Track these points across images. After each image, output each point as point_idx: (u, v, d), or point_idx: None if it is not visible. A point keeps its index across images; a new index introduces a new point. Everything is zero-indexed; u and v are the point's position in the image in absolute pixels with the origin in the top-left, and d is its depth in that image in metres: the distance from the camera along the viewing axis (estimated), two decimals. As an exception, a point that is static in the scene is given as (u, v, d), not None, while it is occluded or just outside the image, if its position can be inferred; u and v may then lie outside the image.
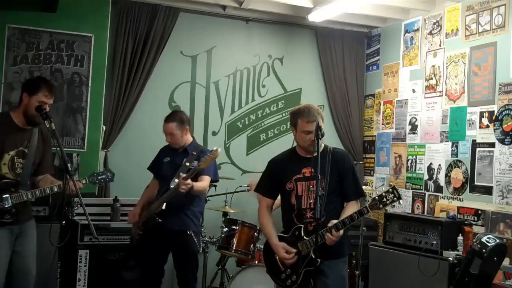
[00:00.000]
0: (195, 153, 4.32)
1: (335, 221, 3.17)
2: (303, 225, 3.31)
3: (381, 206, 3.13)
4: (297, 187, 3.37)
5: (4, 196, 3.48)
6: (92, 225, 3.53)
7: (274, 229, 3.46)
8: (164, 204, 4.16)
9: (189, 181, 4.00)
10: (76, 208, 4.84)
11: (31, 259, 3.67)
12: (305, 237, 3.27)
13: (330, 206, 3.25)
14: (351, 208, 3.33)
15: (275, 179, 3.49)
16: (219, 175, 4.59)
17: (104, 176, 3.88)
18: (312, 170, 3.30)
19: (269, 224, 3.49)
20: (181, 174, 4.17)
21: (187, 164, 4.26)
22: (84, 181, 3.72)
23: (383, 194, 3.12)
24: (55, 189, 3.58)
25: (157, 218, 4.20)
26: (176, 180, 4.17)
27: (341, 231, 3.16)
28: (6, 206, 3.48)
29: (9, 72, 5.11)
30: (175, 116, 4.37)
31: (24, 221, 3.65)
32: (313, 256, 3.21)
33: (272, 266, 3.45)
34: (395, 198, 3.10)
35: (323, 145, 3.39)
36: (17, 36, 5.14)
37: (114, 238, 4.87)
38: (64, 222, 3.62)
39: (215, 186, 5.10)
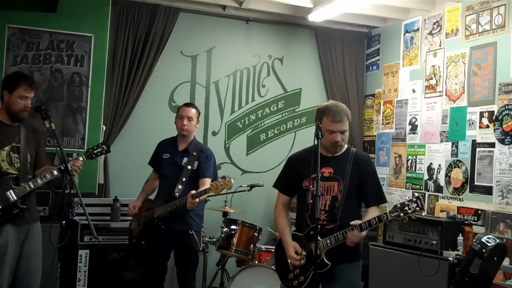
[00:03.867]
0: (195, 153, 4.35)
1: (359, 222, 3.07)
2: (319, 226, 3.16)
3: (401, 214, 2.99)
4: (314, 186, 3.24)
5: (6, 192, 3.50)
6: (92, 225, 3.54)
7: (288, 227, 3.36)
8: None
9: (197, 199, 4.02)
10: (76, 208, 4.85)
11: (37, 262, 3.68)
12: (319, 238, 3.14)
13: (346, 209, 3.16)
14: (373, 213, 3.21)
15: (293, 176, 3.40)
16: (218, 176, 4.59)
17: (100, 150, 3.86)
18: (332, 171, 3.22)
19: (283, 221, 3.41)
20: (183, 179, 4.22)
21: (189, 167, 4.30)
22: (81, 158, 3.73)
23: (406, 202, 3.00)
24: (55, 172, 3.57)
25: (160, 223, 4.22)
26: (180, 187, 4.21)
27: (364, 233, 3.06)
28: (11, 200, 3.49)
29: (9, 72, 5.07)
30: (194, 105, 4.52)
31: (31, 222, 3.67)
32: (325, 259, 3.12)
33: (281, 264, 3.37)
34: (417, 208, 2.97)
35: (346, 146, 3.33)
36: (17, 36, 5.14)
37: (114, 238, 4.88)
38: (64, 222, 3.64)
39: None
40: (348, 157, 3.26)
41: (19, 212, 3.52)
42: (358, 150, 3.37)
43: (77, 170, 3.60)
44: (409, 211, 2.98)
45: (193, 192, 4.04)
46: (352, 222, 3.08)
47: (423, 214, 3.03)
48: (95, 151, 3.85)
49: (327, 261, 3.11)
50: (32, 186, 3.57)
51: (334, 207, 3.20)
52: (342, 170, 3.17)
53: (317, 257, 3.09)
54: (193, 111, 4.41)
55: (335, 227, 3.15)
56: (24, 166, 3.64)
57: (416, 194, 3.07)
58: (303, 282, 3.21)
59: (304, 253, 3.20)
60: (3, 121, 3.65)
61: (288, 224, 3.40)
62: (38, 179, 3.58)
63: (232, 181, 3.98)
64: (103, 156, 5.40)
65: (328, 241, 3.14)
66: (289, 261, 3.29)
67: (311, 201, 3.22)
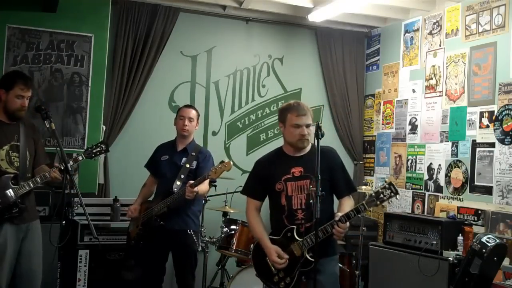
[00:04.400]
0: (194, 154, 4.36)
1: (340, 214, 3.14)
2: (295, 226, 3.25)
3: (378, 202, 3.09)
4: (287, 187, 3.30)
5: (6, 192, 3.50)
6: (92, 225, 3.54)
7: (265, 231, 3.40)
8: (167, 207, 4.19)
9: (195, 188, 4.02)
10: (76, 208, 4.85)
11: (37, 261, 3.68)
12: (298, 238, 3.22)
13: (322, 206, 3.14)
14: (346, 203, 3.31)
15: (262, 181, 3.42)
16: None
17: (99, 149, 3.88)
18: (302, 170, 3.28)
19: (259, 225, 3.43)
20: (182, 176, 4.22)
21: (187, 165, 4.31)
22: (80, 158, 3.75)
23: (380, 190, 3.08)
24: (57, 175, 3.58)
25: (158, 220, 4.22)
26: (178, 183, 4.21)
27: (348, 223, 3.13)
28: (11, 200, 3.50)
29: (9, 72, 5.11)
30: (195, 107, 4.56)
31: (30, 220, 3.67)
32: (308, 257, 3.16)
33: (262, 269, 3.36)
34: (392, 194, 3.06)
35: (310, 144, 3.37)
36: (17, 36, 5.13)
37: (114, 238, 4.87)
38: (64, 222, 3.64)
39: (215, 186, 5.11)
40: (315, 154, 3.26)
41: (18, 211, 3.53)
42: (322, 145, 3.36)
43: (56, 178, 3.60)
44: (385, 198, 3.07)
45: (192, 182, 4.04)
46: (336, 218, 3.13)
47: (398, 198, 3.11)
48: (94, 151, 3.86)
49: (311, 259, 3.16)
50: (31, 185, 3.57)
51: (309, 205, 3.22)
52: (312, 168, 3.17)
53: (316, 258, 3.12)
54: (193, 112, 4.45)
55: (312, 225, 3.17)
56: (23, 165, 3.64)
57: (388, 181, 3.15)
58: (290, 283, 3.24)
59: (286, 256, 3.23)
60: (2, 120, 3.66)
61: (264, 228, 3.43)
62: (38, 178, 3.58)
63: (231, 163, 3.99)
64: (103, 156, 5.42)
65: (309, 240, 3.18)
66: (271, 264, 3.30)
67: (285, 202, 3.27)
